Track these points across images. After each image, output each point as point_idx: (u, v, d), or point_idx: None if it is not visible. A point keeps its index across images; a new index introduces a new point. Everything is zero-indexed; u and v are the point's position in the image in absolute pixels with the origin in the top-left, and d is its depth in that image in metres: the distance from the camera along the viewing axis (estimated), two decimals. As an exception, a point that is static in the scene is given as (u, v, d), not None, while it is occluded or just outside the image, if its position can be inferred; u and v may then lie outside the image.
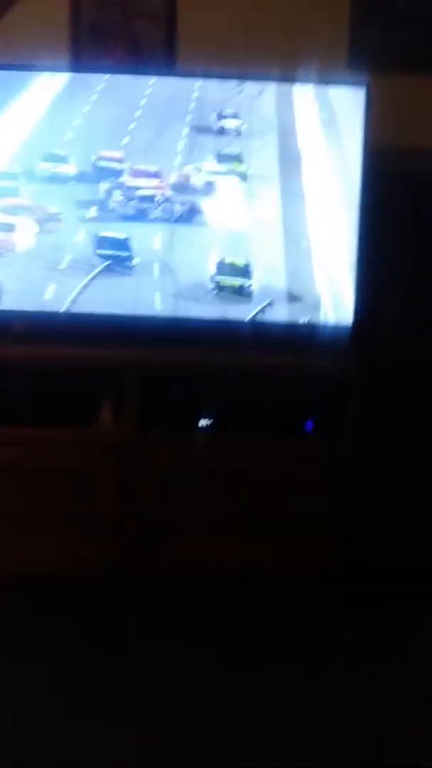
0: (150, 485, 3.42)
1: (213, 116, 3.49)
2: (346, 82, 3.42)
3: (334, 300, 3.48)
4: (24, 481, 3.40)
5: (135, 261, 3.47)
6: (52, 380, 3.41)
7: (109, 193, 3.48)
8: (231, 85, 3.47)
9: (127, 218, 3.49)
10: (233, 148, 3.51)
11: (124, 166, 3.47)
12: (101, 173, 3.48)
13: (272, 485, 3.42)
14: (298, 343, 3.43)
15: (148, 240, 3.50)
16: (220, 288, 3.46)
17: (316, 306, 3.46)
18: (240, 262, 3.48)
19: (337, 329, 3.46)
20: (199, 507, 3.43)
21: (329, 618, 3.34)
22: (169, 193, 3.48)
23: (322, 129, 3.49)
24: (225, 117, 3.50)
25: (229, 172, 3.51)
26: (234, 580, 3.42)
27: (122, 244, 3.47)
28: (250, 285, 3.47)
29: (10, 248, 3.48)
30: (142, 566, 3.44)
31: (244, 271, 3.47)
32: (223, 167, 3.51)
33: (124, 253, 3.47)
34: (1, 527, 3.42)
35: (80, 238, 3.48)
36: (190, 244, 3.51)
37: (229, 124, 3.51)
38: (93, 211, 3.49)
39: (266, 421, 3.44)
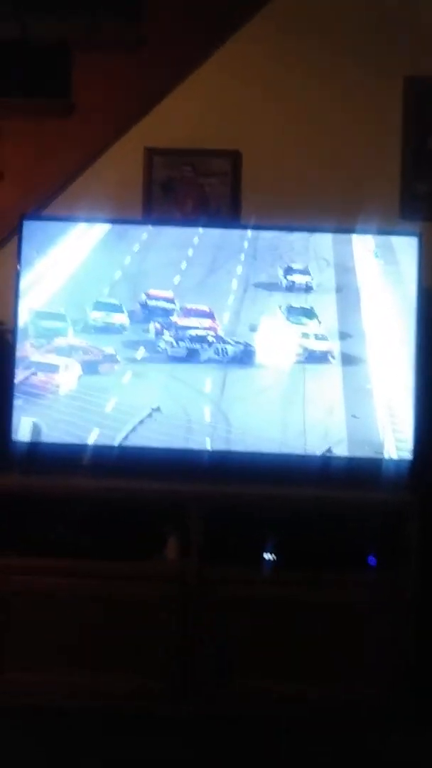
0: (213, 618, 3.25)
1: (280, 271, 3.44)
2: (399, 232, 3.49)
3: (394, 437, 3.34)
4: (86, 613, 3.25)
5: None
6: (117, 514, 3.30)
7: (158, 333, 3.41)
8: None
9: (177, 360, 3.39)
10: (300, 301, 3.43)
11: (175, 306, 3.39)
12: (151, 313, 3.39)
13: (335, 617, 3.25)
14: (359, 478, 3.33)
15: (200, 382, 3.39)
16: None
17: (377, 445, 3.33)
18: None
19: (396, 465, 3.35)
20: (261, 641, 3.25)
21: (397, 757, 3.09)
22: (221, 333, 3.38)
23: (380, 273, 3.44)
24: (294, 272, 3.44)
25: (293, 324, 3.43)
26: (296, 716, 3.23)
27: None
28: None
29: (53, 390, 3.37)
30: (202, 702, 3.25)
31: None
32: (291, 319, 3.43)
33: None
34: (64, 659, 3.26)
35: (127, 380, 3.38)
36: (243, 387, 3.38)
37: (298, 279, 3.45)
38: (141, 352, 3.39)
39: (328, 554, 3.27)
